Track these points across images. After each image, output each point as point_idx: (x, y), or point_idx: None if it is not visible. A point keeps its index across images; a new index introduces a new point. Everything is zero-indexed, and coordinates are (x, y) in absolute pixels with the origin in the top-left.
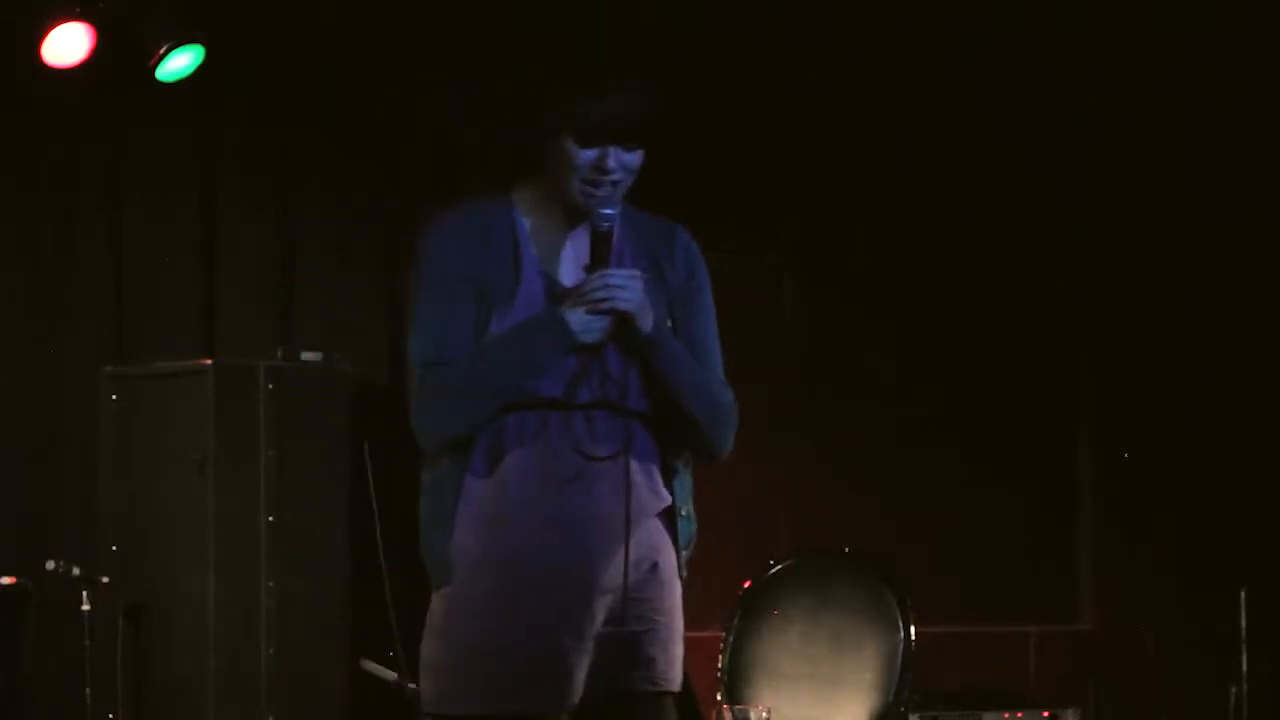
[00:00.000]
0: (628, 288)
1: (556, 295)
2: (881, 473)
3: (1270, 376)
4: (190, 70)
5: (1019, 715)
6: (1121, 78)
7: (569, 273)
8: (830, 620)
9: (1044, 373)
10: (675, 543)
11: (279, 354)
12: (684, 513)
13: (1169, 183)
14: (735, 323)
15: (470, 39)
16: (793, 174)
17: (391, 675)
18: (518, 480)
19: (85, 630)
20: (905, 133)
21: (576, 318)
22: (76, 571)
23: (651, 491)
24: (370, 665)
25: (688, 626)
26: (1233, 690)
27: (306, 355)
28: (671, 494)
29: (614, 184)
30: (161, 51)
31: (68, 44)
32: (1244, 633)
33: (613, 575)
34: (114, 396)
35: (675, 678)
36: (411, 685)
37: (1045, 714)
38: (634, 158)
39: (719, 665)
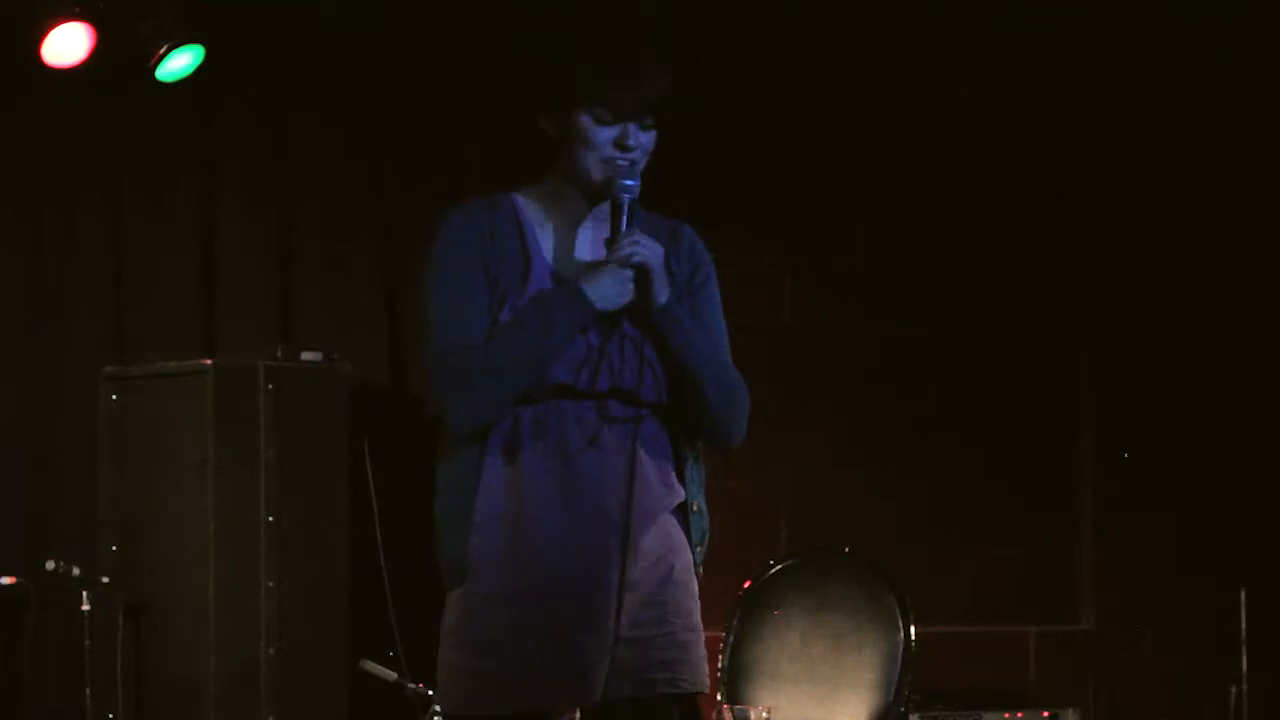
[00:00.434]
0: (649, 246)
1: (574, 271)
2: (882, 472)
3: (1270, 376)
4: (190, 70)
5: (1019, 715)
6: (1121, 77)
7: (589, 252)
8: (830, 620)
9: (1044, 372)
10: (689, 539)
11: (279, 354)
12: (696, 508)
13: (1169, 182)
14: (735, 323)
15: (470, 39)
16: (793, 174)
17: (391, 675)
18: (532, 475)
19: (85, 630)
20: (905, 133)
21: (593, 287)
22: (76, 571)
23: (664, 486)
24: (370, 665)
25: None
26: (1233, 690)
27: (306, 355)
28: (684, 488)
29: (633, 162)
30: (161, 51)
31: (68, 44)
32: (1244, 633)
33: (630, 571)
34: (114, 396)
35: (699, 679)
36: (412, 685)
37: (1045, 714)
38: (650, 138)
39: (719, 665)
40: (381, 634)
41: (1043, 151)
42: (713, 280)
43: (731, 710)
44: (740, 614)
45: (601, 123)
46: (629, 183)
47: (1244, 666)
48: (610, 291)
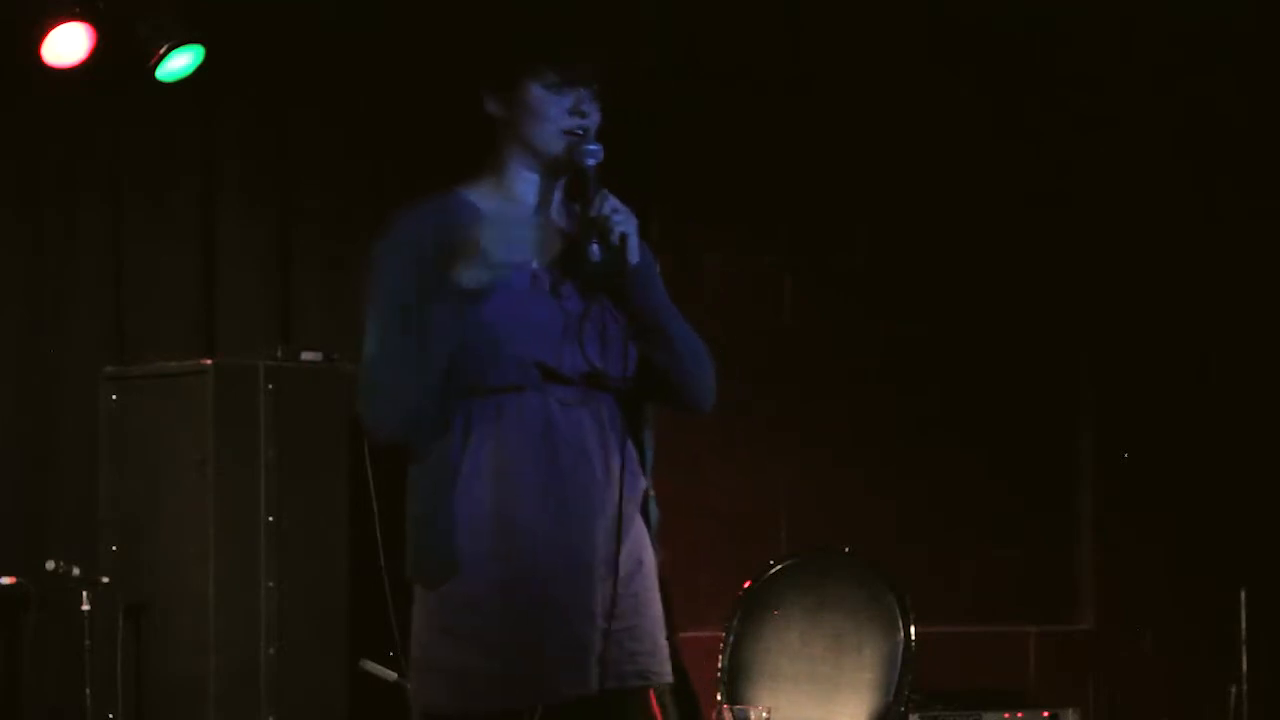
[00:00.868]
0: (624, 212)
1: (526, 257)
2: (882, 473)
3: (1270, 376)
4: (190, 70)
5: (1019, 715)
6: (1121, 77)
7: (565, 224)
8: (830, 620)
9: (1044, 372)
10: (649, 527)
11: (279, 354)
12: (650, 493)
13: (1169, 182)
14: (735, 323)
15: (472, 38)
16: (793, 174)
17: (391, 675)
18: (514, 464)
19: (85, 630)
20: (905, 133)
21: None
22: (76, 571)
23: (636, 471)
24: (370, 665)
25: (688, 626)
26: (1233, 690)
27: (306, 355)
28: (645, 473)
29: (587, 130)
30: (161, 51)
31: (68, 44)
32: (1244, 633)
33: (604, 558)
34: (114, 396)
35: (668, 670)
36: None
37: (1045, 714)
38: (598, 112)
39: (719, 665)
40: (381, 634)
41: (1043, 151)
42: (654, 262)
43: (731, 710)
44: (740, 614)
45: (554, 89)
46: (592, 147)
47: (1244, 666)
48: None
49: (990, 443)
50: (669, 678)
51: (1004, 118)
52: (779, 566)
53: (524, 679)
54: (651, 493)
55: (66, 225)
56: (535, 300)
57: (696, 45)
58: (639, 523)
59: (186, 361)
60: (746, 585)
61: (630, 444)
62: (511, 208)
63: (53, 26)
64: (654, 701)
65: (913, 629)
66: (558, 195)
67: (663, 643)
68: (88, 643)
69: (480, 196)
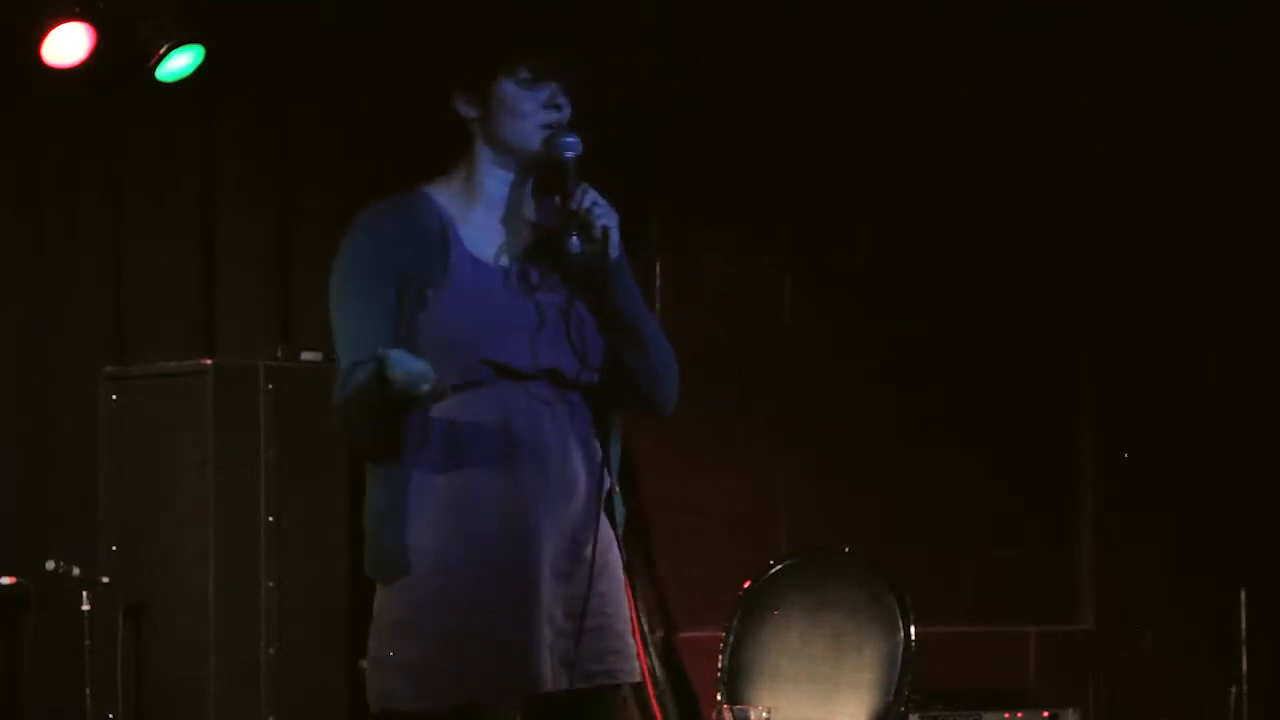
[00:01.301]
0: (604, 205)
1: (497, 254)
2: (881, 473)
3: (1270, 376)
4: (190, 70)
5: (1019, 715)
6: (1121, 77)
7: (536, 218)
8: (830, 620)
9: (1044, 373)
10: (613, 525)
11: (279, 354)
12: (616, 490)
13: (1169, 182)
14: (735, 323)
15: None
16: (793, 174)
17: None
18: (474, 462)
19: (85, 630)
20: (905, 132)
21: (398, 361)
22: (76, 571)
23: (599, 470)
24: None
25: (688, 626)
26: (1233, 690)
27: (306, 355)
28: (609, 471)
29: (562, 123)
30: (161, 51)
31: (68, 44)
32: (1244, 633)
33: (571, 556)
34: (114, 396)
35: (636, 670)
36: None
37: (1045, 714)
38: (568, 106)
39: (719, 665)
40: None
41: (1043, 151)
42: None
43: (731, 710)
44: (740, 614)
45: (527, 85)
46: (570, 139)
47: (1244, 666)
48: (412, 369)
49: (990, 443)
50: (637, 677)
51: (1004, 118)
52: (779, 566)
53: (476, 676)
54: (617, 491)
55: (66, 225)
56: (499, 297)
57: (696, 45)
58: (604, 522)
59: (186, 361)
60: (746, 585)
61: (596, 442)
62: (478, 205)
63: (53, 26)
64: (654, 700)
65: (913, 629)
66: (528, 191)
67: (631, 642)
68: (88, 643)
69: (447, 196)
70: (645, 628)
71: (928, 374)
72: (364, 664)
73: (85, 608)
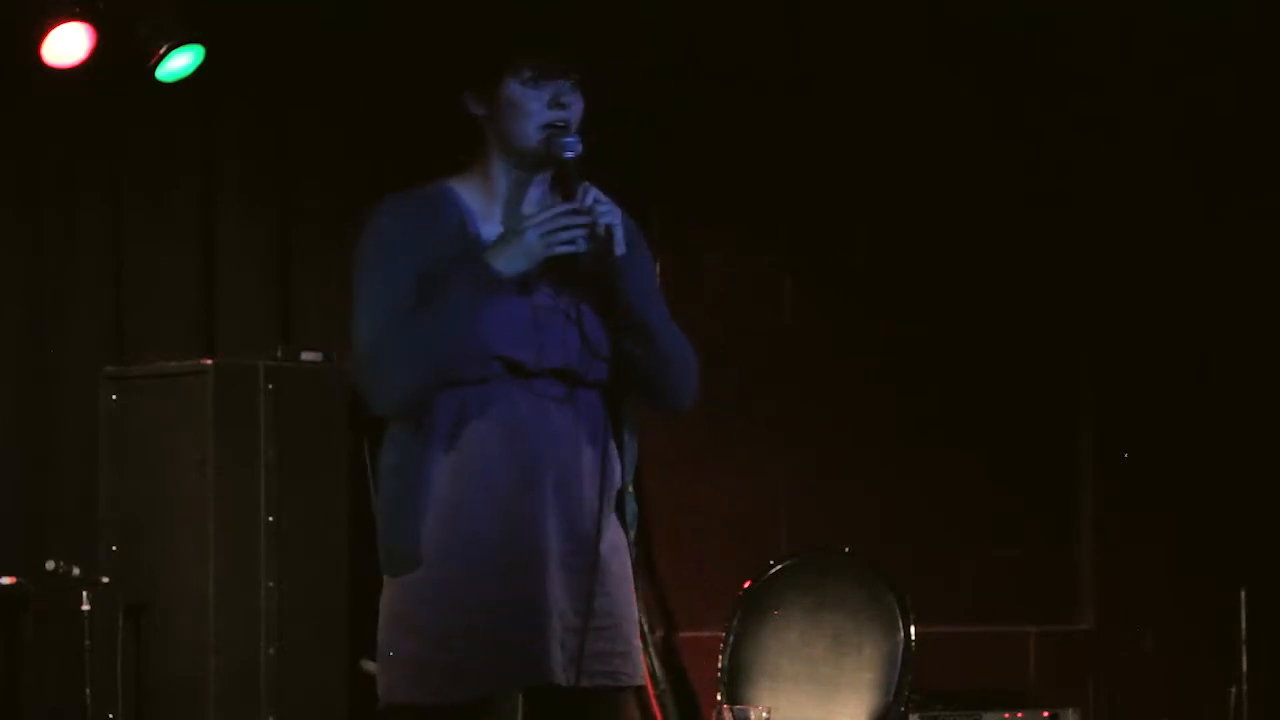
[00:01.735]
0: (608, 204)
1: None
2: (881, 473)
3: (1270, 376)
4: (190, 70)
5: (1019, 715)
6: (1121, 77)
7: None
8: (830, 620)
9: (1044, 373)
10: (623, 524)
11: (279, 354)
12: (629, 489)
13: (1169, 182)
14: (735, 323)
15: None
16: (793, 174)
17: None
18: (481, 457)
19: (85, 630)
20: (905, 132)
21: (496, 255)
22: (76, 571)
23: (611, 467)
24: (370, 665)
25: (688, 626)
26: (1233, 690)
27: (306, 355)
28: (622, 469)
29: (568, 122)
30: (161, 51)
31: (68, 44)
32: (1244, 633)
33: (578, 553)
34: (114, 396)
35: (638, 673)
36: None
37: (1045, 714)
38: (579, 102)
39: (719, 665)
40: None
41: (1043, 151)
42: (649, 258)
43: (731, 710)
44: (740, 614)
45: (531, 84)
46: (569, 140)
47: (1244, 666)
48: (517, 256)
49: (990, 443)
50: (640, 680)
51: (1004, 118)
52: (779, 566)
53: (482, 670)
54: (630, 490)
55: (66, 225)
56: (504, 295)
57: (696, 45)
58: (612, 523)
59: (186, 361)
60: (746, 585)
61: (610, 440)
62: (496, 202)
63: (53, 26)
64: (654, 700)
65: (913, 629)
66: (535, 191)
67: (637, 645)
68: (88, 643)
69: (468, 191)
70: (645, 628)
71: (928, 374)
72: (364, 664)
73: (85, 608)
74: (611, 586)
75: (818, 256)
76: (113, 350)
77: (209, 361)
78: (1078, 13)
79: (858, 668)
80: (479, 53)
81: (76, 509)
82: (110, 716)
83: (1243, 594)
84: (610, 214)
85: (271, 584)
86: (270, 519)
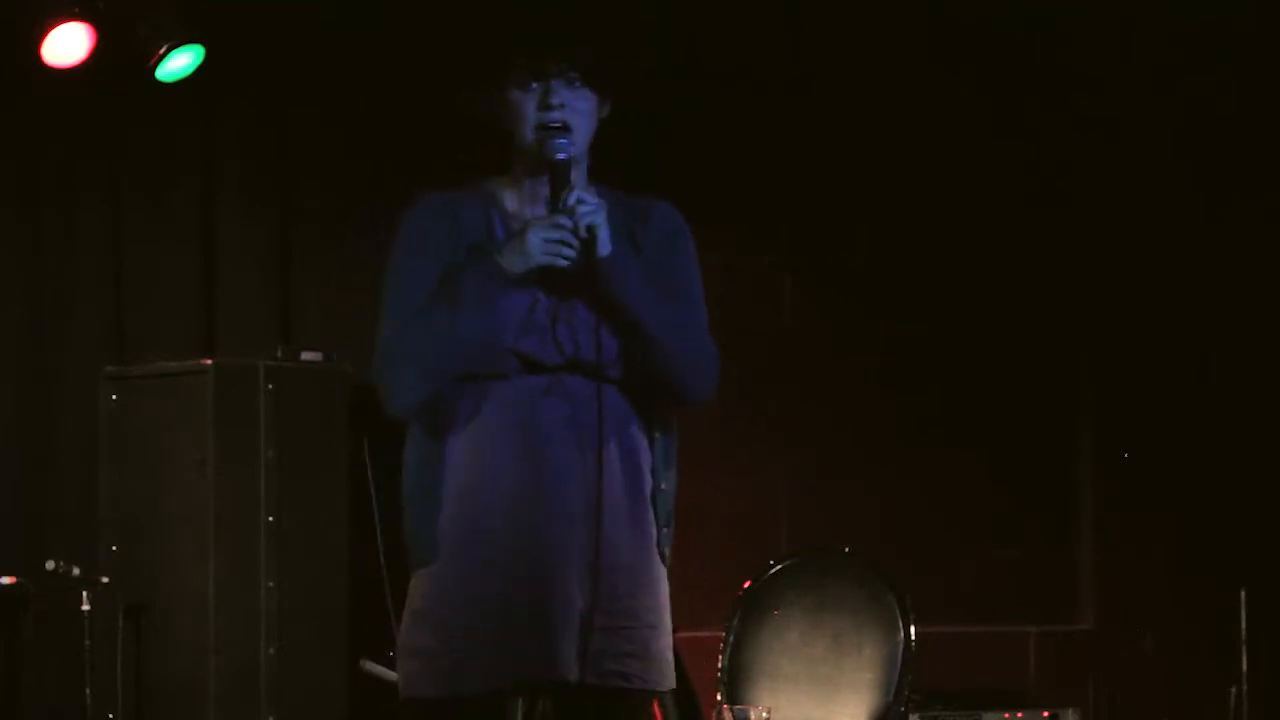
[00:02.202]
0: (592, 204)
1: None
2: (881, 473)
3: (1270, 376)
4: (190, 70)
5: (1019, 715)
6: (1121, 77)
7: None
8: (830, 620)
9: (1044, 373)
10: (656, 520)
11: (279, 354)
12: (663, 486)
13: (1169, 182)
14: (735, 323)
15: (470, 39)
16: (793, 174)
17: (392, 675)
18: (496, 452)
19: (85, 630)
20: (905, 132)
21: (536, 237)
22: (76, 571)
23: (632, 463)
24: (370, 665)
25: (688, 626)
26: (1233, 690)
27: (306, 355)
28: (653, 465)
29: (565, 124)
30: (161, 51)
31: (68, 44)
32: (1244, 633)
33: (587, 549)
34: (114, 396)
35: (656, 677)
36: None
37: (1045, 714)
38: (582, 97)
39: (719, 665)
40: (381, 634)
41: (1043, 151)
42: (683, 249)
43: (731, 710)
44: (740, 614)
45: (524, 89)
46: (560, 141)
47: (1244, 666)
48: (537, 252)
49: (990, 443)
50: (662, 686)
51: (1004, 118)
52: (779, 566)
53: (485, 667)
54: (662, 488)
55: (66, 225)
56: (517, 291)
57: (696, 45)
58: (641, 518)
59: (186, 361)
60: (746, 585)
61: (636, 435)
62: (524, 206)
63: (53, 26)
64: (656, 709)
65: (913, 629)
66: (528, 191)
67: (659, 650)
68: (88, 643)
69: (503, 192)
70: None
71: (928, 374)
72: (364, 664)
73: (85, 608)
74: (630, 587)
75: (818, 256)
76: (113, 350)
77: (209, 361)
78: (1078, 13)
79: (858, 668)
80: (477, 58)
81: (76, 509)
82: (110, 716)
83: (1243, 594)
84: (593, 214)
85: (271, 584)
86: (270, 519)
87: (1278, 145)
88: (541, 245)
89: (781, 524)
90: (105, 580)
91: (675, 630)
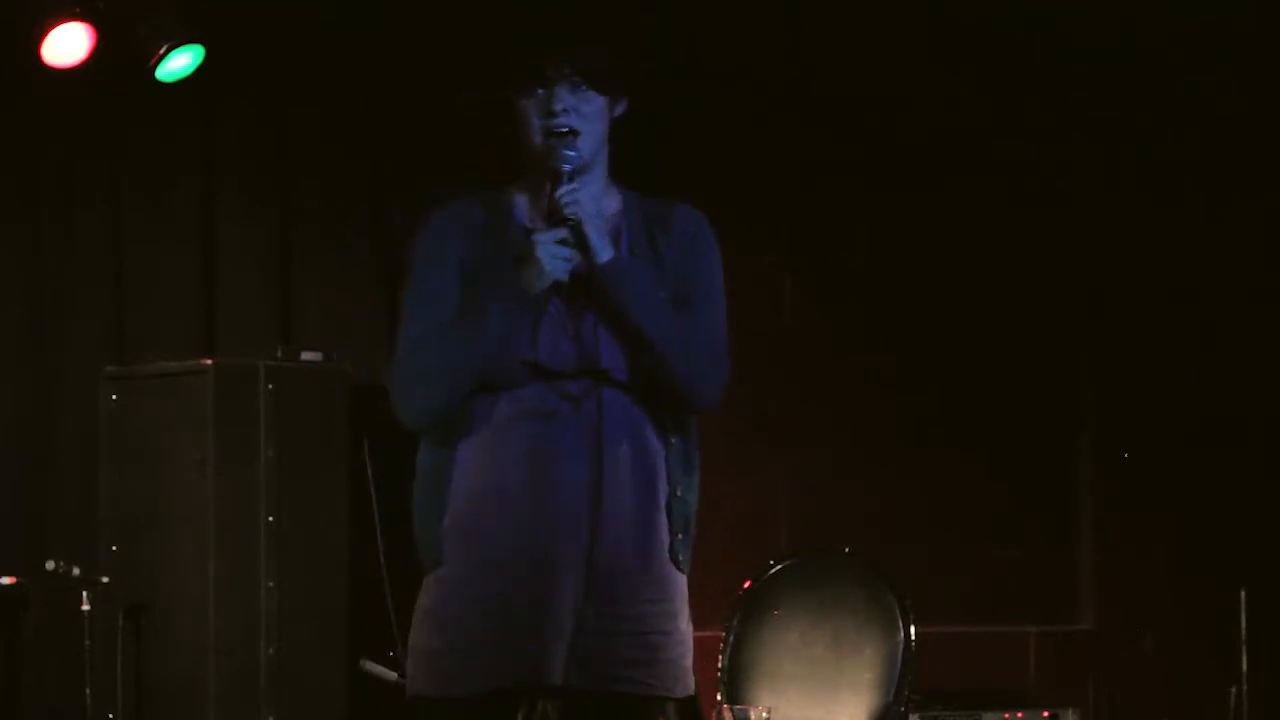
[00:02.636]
0: (583, 201)
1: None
2: (881, 473)
3: (1270, 377)
4: (190, 70)
5: (1019, 715)
6: (1121, 77)
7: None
8: (830, 620)
9: (1044, 373)
10: (671, 527)
11: (279, 354)
12: (679, 493)
13: (1169, 182)
14: (735, 323)
15: (469, 38)
16: (793, 174)
17: (392, 675)
18: (504, 458)
19: (85, 630)
20: (905, 132)
21: (545, 254)
22: (76, 571)
23: (641, 469)
24: (370, 665)
25: None
26: (1233, 690)
27: (306, 355)
28: (669, 473)
29: (571, 129)
30: (161, 51)
31: (68, 44)
32: (1244, 633)
33: (596, 555)
34: (114, 396)
35: (667, 683)
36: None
37: (1045, 714)
38: (588, 100)
39: (719, 665)
40: (381, 634)
41: (1043, 151)
42: (704, 252)
43: (731, 710)
44: (740, 614)
45: (527, 96)
46: (569, 153)
47: (1244, 666)
48: (546, 267)
49: (990, 443)
50: (675, 693)
51: (1004, 118)
52: (779, 566)
53: (482, 668)
54: (679, 490)
55: (66, 225)
56: (534, 302)
57: (696, 45)
58: (653, 523)
59: (186, 361)
60: (746, 585)
61: (651, 440)
62: (538, 213)
63: (53, 26)
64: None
65: (913, 629)
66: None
67: (673, 657)
68: (88, 643)
69: (524, 198)
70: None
71: (928, 374)
72: (364, 664)
73: (85, 608)
74: (633, 592)
75: (818, 256)
76: (113, 350)
77: (209, 361)
78: (1078, 13)
79: (858, 668)
80: (478, 61)
81: (76, 509)
82: (110, 716)
83: (1243, 594)
84: (574, 206)
85: (271, 584)
86: (270, 519)
87: (1278, 145)
88: (550, 260)
89: (781, 524)
90: (105, 580)
91: None
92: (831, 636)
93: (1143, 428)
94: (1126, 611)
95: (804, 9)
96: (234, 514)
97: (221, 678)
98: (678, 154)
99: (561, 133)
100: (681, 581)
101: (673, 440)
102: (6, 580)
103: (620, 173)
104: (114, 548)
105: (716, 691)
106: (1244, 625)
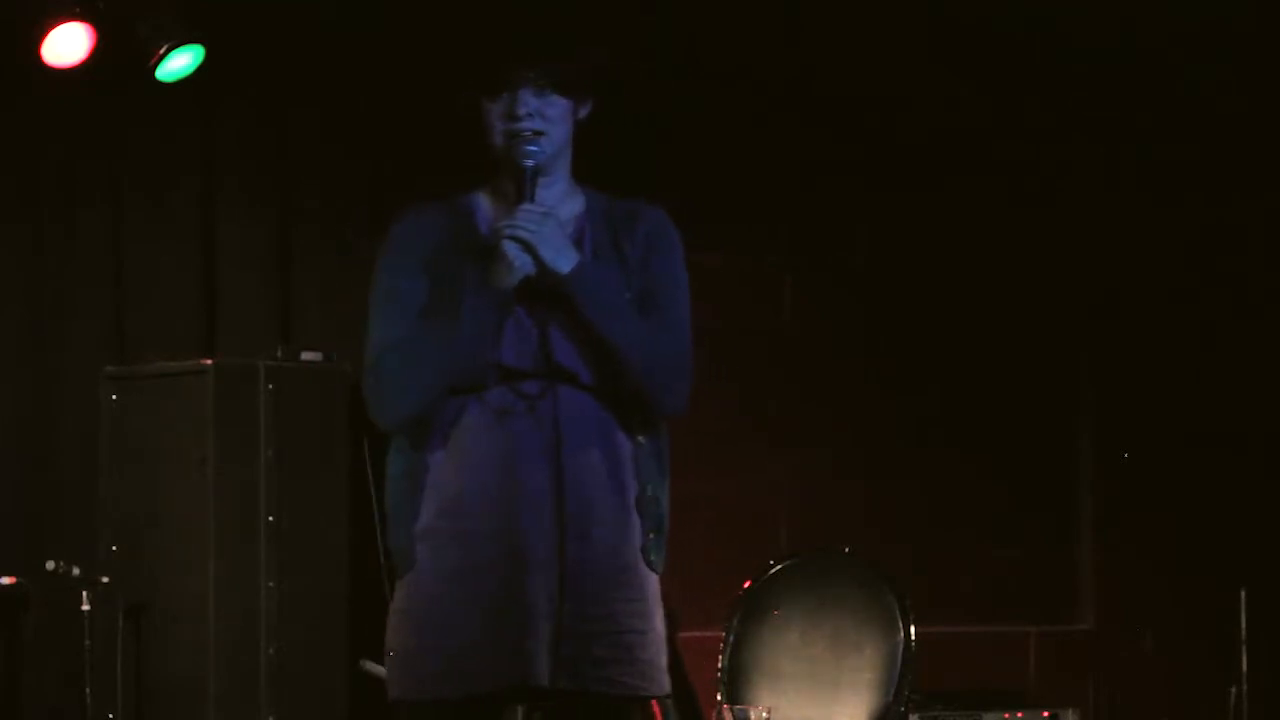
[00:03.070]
0: (530, 219)
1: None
2: (881, 473)
3: (1270, 377)
4: (190, 70)
5: (1019, 715)
6: (1121, 77)
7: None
8: (830, 620)
9: (1043, 373)
10: (643, 528)
11: (279, 354)
12: (649, 491)
13: (1169, 182)
14: (735, 323)
15: (470, 39)
16: (793, 174)
17: None
18: (473, 460)
19: (85, 630)
20: (905, 132)
21: (511, 248)
22: (76, 571)
23: (607, 470)
24: (370, 665)
25: (688, 626)
26: (1233, 690)
27: (306, 355)
28: (638, 471)
29: (535, 131)
30: (161, 51)
31: (68, 44)
32: (1244, 633)
33: (568, 556)
34: (114, 396)
35: (643, 683)
36: None
37: (1045, 714)
38: (552, 103)
39: (719, 665)
40: (381, 634)
41: (1043, 151)
42: (666, 251)
43: (731, 710)
44: (740, 614)
45: (491, 99)
46: (529, 148)
47: (1244, 666)
48: (515, 261)
49: (990, 443)
50: (653, 691)
51: (1004, 118)
52: (779, 566)
53: (463, 670)
54: (650, 493)
55: (66, 225)
56: (503, 303)
57: (696, 45)
58: (625, 523)
59: (186, 361)
60: (746, 585)
61: (620, 441)
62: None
63: (53, 26)
64: (655, 703)
65: (913, 629)
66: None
67: (649, 655)
68: (88, 643)
69: (489, 201)
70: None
71: (928, 374)
72: (364, 664)
73: (85, 608)
74: (605, 592)
75: (818, 256)
76: (113, 350)
77: (209, 361)
78: (1078, 13)
79: (858, 668)
80: (465, 62)
81: (76, 509)
82: (110, 716)
83: (1243, 594)
84: (526, 228)
85: (271, 584)
86: (270, 519)
87: (1278, 145)
88: (518, 254)
89: (781, 524)
90: (105, 580)
91: (675, 630)
92: (831, 636)
93: (1143, 428)
94: (1126, 611)
95: (804, 9)
96: (234, 514)
97: (221, 678)
98: (678, 154)
99: (524, 134)
100: (655, 581)
101: (641, 439)
102: (6, 580)
103: (618, 172)
104: (114, 548)
105: (716, 691)
106: (1244, 625)
